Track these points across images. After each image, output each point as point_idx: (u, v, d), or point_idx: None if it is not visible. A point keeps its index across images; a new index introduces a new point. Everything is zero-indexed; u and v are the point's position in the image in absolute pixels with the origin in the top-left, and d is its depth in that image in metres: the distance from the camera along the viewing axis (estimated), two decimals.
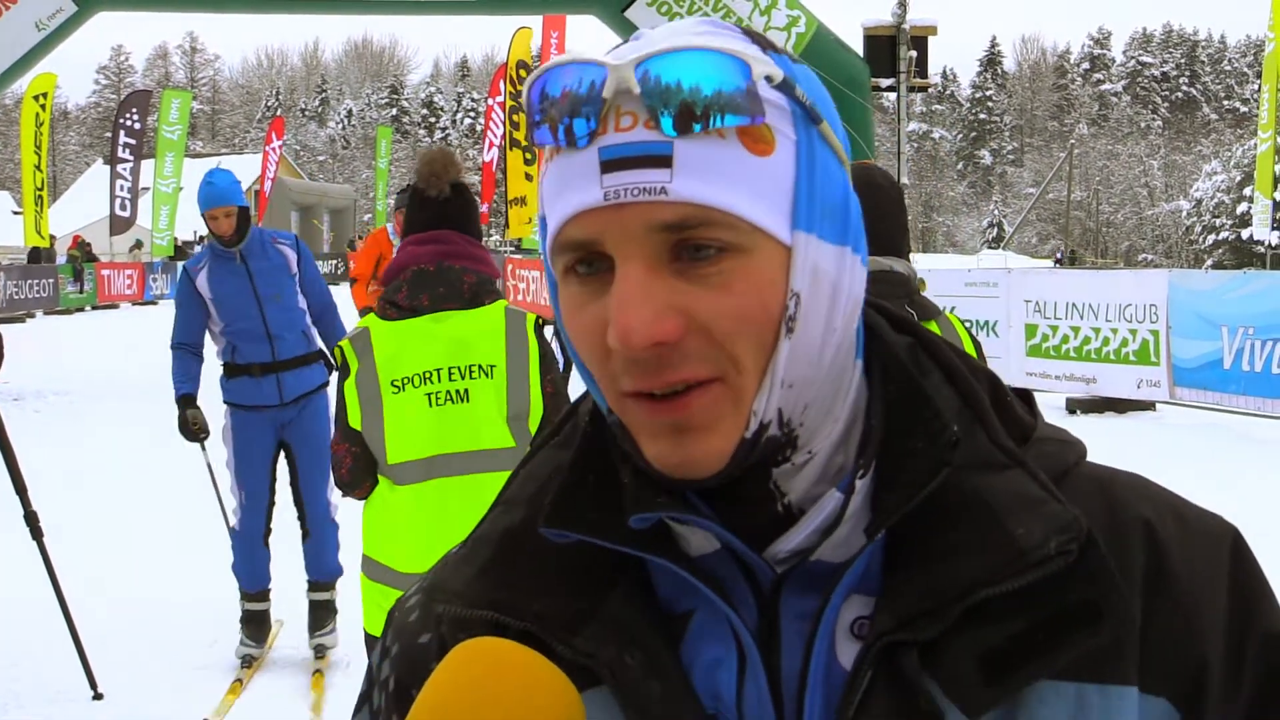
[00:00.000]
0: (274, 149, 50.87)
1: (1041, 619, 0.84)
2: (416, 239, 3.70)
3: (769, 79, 0.85)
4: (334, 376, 3.54)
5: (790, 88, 0.86)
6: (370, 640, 3.63)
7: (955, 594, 0.84)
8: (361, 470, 3.59)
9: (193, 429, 6.10)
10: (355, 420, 3.54)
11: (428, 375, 3.56)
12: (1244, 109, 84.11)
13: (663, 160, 0.82)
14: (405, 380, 3.56)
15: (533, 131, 0.86)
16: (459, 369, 3.59)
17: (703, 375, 0.84)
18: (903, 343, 0.97)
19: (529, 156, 27.02)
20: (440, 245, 3.67)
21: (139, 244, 43.49)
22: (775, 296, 0.84)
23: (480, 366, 3.60)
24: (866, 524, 0.89)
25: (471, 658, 0.83)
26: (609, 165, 0.83)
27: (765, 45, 0.88)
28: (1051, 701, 0.84)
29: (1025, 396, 0.98)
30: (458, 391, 3.57)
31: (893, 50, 16.55)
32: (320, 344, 6.33)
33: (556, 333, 0.99)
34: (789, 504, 0.89)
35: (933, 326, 3.32)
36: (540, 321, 3.71)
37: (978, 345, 3.45)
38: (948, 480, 0.87)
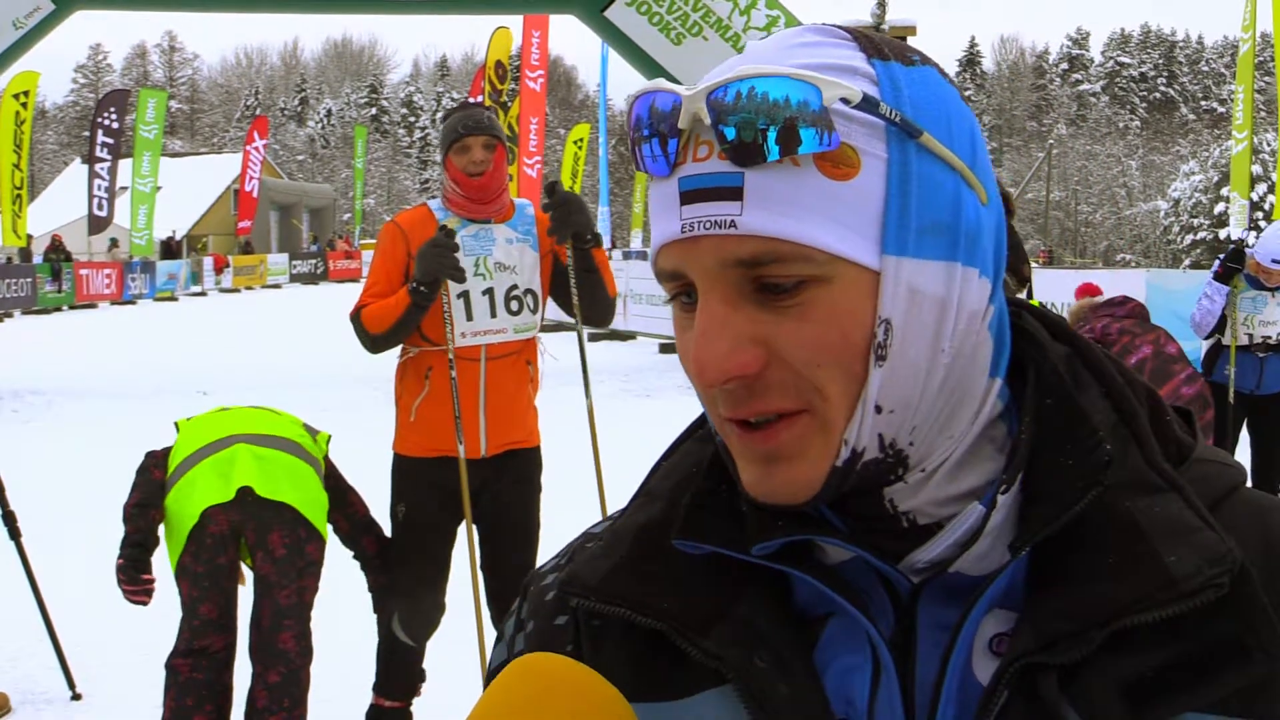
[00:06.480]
0: (257, 148, 50.66)
1: (1189, 651, 0.80)
2: None
3: (845, 100, 0.80)
4: None
5: (874, 105, 0.81)
6: None
7: (1101, 619, 0.80)
8: None
9: None
10: None
11: None
12: (1221, 109, 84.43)
13: (734, 192, 0.80)
14: None
15: (635, 159, 0.85)
16: None
17: (788, 407, 0.83)
18: (1060, 352, 0.92)
19: (511, 155, 26.92)
20: None
21: (115, 243, 43.29)
22: (858, 325, 0.81)
23: None
24: (1010, 539, 0.86)
25: (524, 674, 0.83)
26: (687, 197, 0.82)
27: (873, 52, 0.85)
28: None
29: (1185, 415, 0.94)
30: None
31: None
32: None
33: None
34: (913, 520, 0.87)
35: None
36: None
37: None
38: (1099, 500, 0.84)
